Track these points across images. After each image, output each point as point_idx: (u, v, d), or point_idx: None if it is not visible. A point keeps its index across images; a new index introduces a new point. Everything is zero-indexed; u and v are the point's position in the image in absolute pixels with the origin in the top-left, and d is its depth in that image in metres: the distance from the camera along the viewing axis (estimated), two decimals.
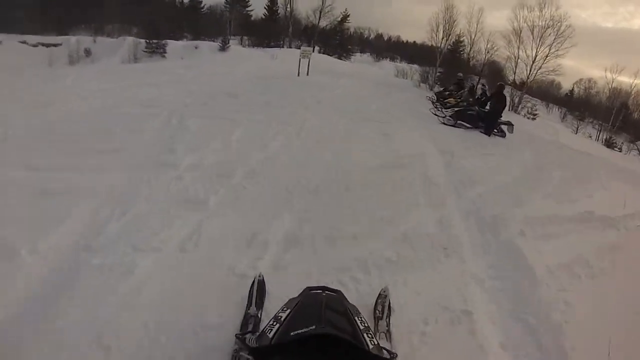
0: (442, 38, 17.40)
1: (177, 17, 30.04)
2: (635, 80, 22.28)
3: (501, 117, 8.67)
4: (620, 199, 4.80)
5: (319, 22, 28.01)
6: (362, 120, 7.28)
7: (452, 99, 10.57)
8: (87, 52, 21.46)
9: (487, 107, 8.87)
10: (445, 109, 10.00)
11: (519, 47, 16.18)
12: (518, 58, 16.27)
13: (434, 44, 18.17)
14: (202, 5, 31.92)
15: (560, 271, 2.89)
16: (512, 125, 8.65)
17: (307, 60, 13.36)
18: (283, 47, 24.59)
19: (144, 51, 19.76)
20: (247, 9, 31.78)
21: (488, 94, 10.00)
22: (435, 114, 9.43)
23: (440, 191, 4.19)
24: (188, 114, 6.03)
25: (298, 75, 12.95)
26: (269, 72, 13.42)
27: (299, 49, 20.13)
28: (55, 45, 21.68)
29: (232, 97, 8.00)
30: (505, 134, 8.65)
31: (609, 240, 3.61)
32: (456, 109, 8.87)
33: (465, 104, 9.23)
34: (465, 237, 3.25)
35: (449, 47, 18.34)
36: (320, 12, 27.52)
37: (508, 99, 11.64)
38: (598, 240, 3.54)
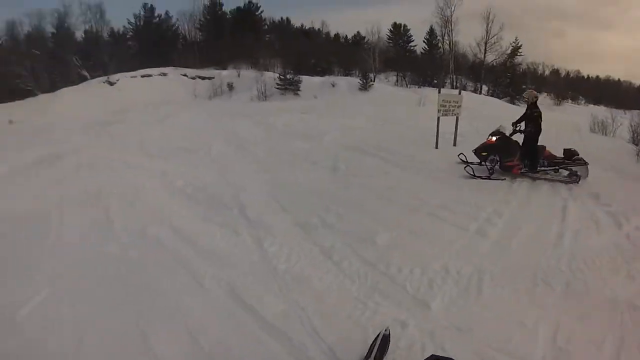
0: None
1: (332, 51, 27.98)
2: None
3: None
4: None
5: (484, 56, 20.92)
6: None
7: None
8: (230, 87, 21.02)
9: None
10: None
11: None
12: None
13: None
14: (366, 40, 29.33)
15: None
16: None
17: (455, 116, 7.01)
18: (443, 86, 18.65)
19: (276, 88, 17.28)
20: (410, 44, 27.52)
21: None
22: None
23: None
24: None
25: (436, 147, 6.92)
26: (393, 137, 7.93)
27: (460, 90, 14.35)
28: (209, 78, 22.39)
29: None
30: None
31: None
32: None
33: None
34: None
35: None
36: (486, 44, 20.45)
37: None
38: None
